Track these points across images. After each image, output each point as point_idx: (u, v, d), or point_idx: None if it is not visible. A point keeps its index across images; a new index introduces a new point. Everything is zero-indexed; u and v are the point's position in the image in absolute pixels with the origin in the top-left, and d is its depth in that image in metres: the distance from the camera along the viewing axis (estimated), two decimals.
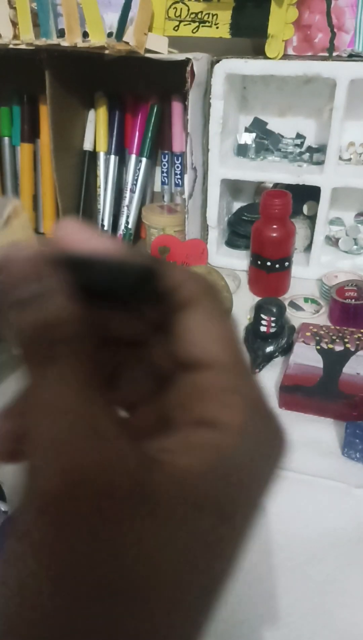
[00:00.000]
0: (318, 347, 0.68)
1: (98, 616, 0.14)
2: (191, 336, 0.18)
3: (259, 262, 0.86)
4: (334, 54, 0.83)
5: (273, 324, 0.72)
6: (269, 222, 0.83)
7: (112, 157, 1.01)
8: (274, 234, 0.83)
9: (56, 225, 0.18)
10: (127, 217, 1.03)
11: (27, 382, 0.16)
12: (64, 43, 0.80)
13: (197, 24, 0.84)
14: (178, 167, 1.01)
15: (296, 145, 0.96)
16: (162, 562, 0.15)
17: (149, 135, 0.97)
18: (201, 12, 0.83)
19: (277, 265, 0.85)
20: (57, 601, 0.14)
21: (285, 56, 0.83)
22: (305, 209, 0.99)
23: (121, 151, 1.02)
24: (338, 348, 0.67)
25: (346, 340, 0.69)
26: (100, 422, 0.15)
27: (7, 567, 0.15)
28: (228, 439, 0.16)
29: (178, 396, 0.18)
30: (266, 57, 0.82)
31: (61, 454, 0.15)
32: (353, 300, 0.79)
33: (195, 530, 0.15)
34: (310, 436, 0.58)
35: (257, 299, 0.80)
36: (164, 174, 1.04)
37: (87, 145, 1.01)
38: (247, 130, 0.99)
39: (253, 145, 0.97)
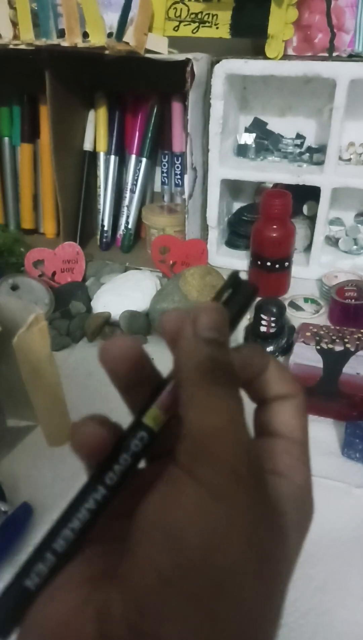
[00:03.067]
0: (318, 347, 0.68)
1: None
2: (282, 419, 0.23)
3: (259, 262, 0.86)
4: (334, 54, 0.83)
5: (273, 324, 0.72)
6: (269, 222, 0.83)
7: (113, 157, 1.01)
8: (274, 234, 0.83)
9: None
10: (128, 217, 1.03)
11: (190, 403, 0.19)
12: (64, 43, 0.80)
13: (197, 24, 0.84)
14: (178, 167, 1.01)
15: (296, 145, 0.96)
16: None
17: (149, 135, 0.97)
18: (201, 12, 0.83)
19: (277, 266, 0.85)
20: None
21: (285, 56, 0.83)
22: (305, 209, 0.99)
23: (121, 151, 1.02)
24: (338, 348, 0.67)
25: (346, 340, 0.69)
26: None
27: None
28: (300, 490, 0.21)
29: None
30: (266, 58, 0.82)
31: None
32: (353, 300, 0.79)
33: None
34: (310, 436, 0.58)
35: (257, 299, 0.80)
36: (164, 174, 1.04)
37: (87, 146, 1.01)
38: (247, 130, 0.99)
39: (253, 146, 0.97)
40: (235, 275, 0.22)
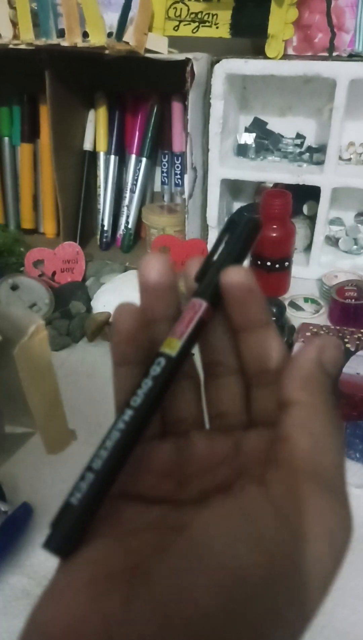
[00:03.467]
0: None
1: None
2: (285, 436, 0.19)
3: (259, 262, 0.86)
4: (334, 54, 0.83)
5: None
6: (269, 222, 0.83)
7: (112, 157, 1.01)
8: (274, 234, 0.83)
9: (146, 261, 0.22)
10: (128, 217, 1.03)
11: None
12: (64, 43, 0.80)
13: (197, 24, 0.84)
14: (178, 167, 1.01)
15: (296, 145, 0.96)
16: None
17: (149, 135, 0.97)
18: (201, 12, 0.83)
19: (277, 265, 0.85)
20: None
21: (285, 56, 0.83)
22: (305, 209, 0.99)
23: (121, 151, 1.02)
24: None
25: (346, 340, 0.69)
26: None
27: None
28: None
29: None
30: (266, 57, 0.82)
31: None
32: (353, 300, 0.79)
33: None
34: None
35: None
36: (164, 174, 1.04)
37: (87, 145, 1.01)
38: (247, 130, 0.99)
39: (253, 145, 0.97)
40: (231, 218, 0.23)
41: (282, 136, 0.98)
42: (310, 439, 0.18)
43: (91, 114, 1.00)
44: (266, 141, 0.97)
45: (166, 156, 1.02)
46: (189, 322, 0.21)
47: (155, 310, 0.22)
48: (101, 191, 1.03)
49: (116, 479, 0.20)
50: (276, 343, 0.22)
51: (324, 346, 0.20)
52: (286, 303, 0.80)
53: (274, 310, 0.72)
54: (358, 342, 0.69)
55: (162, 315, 0.22)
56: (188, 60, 0.79)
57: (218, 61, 0.82)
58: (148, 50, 0.83)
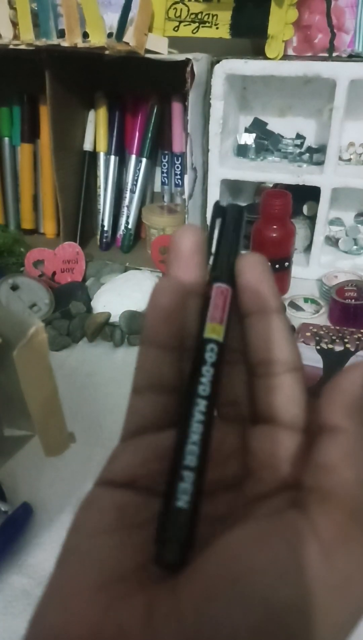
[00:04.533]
0: (318, 348, 0.68)
1: None
2: (328, 465, 0.18)
3: None
4: (334, 54, 0.83)
5: None
6: (269, 223, 0.83)
7: (112, 157, 1.01)
8: (274, 234, 0.83)
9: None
10: (128, 217, 1.03)
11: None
12: (64, 43, 0.80)
13: (197, 24, 0.84)
14: (178, 167, 1.01)
15: (296, 145, 0.96)
16: None
17: (149, 135, 0.97)
18: (201, 12, 0.83)
19: (277, 266, 0.85)
20: None
21: (285, 56, 0.83)
22: (305, 209, 0.99)
23: (121, 151, 1.02)
24: (338, 348, 0.67)
25: (346, 340, 0.69)
26: None
27: None
28: None
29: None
30: (266, 58, 0.82)
31: None
32: (353, 300, 0.79)
33: None
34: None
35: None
36: (164, 174, 1.04)
37: (87, 146, 1.01)
38: (247, 130, 0.99)
39: (253, 146, 0.97)
40: (217, 204, 0.23)
41: (282, 136, 0.98)
42: (356, 472, 0.17)
43: (91, 115, 1.00)
44: (266, 141, 0.97)
45: (166, 156, 1.02)
46: (224, 307, 0.21)
47: (188, 285, 0.21)
48: (101, 191, 1.04)
49: (206, 474, 0.19)
50: (284, 330, 0.21)
51: None
52: (286, 303, 0.80)
53: None
54: (358, 343, 0.69)
55: (194, 291, 0.21)
56: (188, 60, 0.79)
57: (218, 61, 0.82)
58: (148, 51, 0.83)
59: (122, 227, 1.04)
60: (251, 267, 0.21)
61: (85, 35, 0.80)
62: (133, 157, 1.00)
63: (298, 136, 0.97)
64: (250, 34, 0.83)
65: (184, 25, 0.85)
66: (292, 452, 0.20)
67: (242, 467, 0.20)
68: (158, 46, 0.82)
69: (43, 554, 0.48)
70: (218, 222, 0.22)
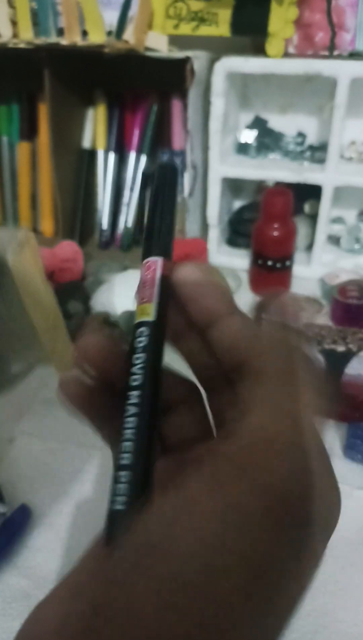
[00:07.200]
0: (320, 348, 0.67)
1: None
2: (253, 409, 0.18)
3: (260, 262, 0.85)
4: (335, 52, 0.82)
5: None
6: (270, 221, 0.82)
7: (112, 155, 1.01)
8: (275, 233, 0.82)
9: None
10: (127, 215, 1.02)
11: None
12: (64, 42, 0.79)
13: (197, 22, 0.84)
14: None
15: (298, 143, 0.96)
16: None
17: (149, 133, 0.97)
18: (201, 10, 0.83)
19: (278, 265, 0.84)
20: None
21: (286, 55, 0.83)
22: (306, 207, 0.99)
23: (121, 149, 1.01)
24: (340, 348, 0.66)
25: (348, 340, 0.69)
26: None
27: None
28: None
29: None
30: (266, 56, 0.81)
31: None
32: (355, 300, 0.78)
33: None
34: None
35: (258, 298, 0.80)
36: None
37: (87, 144, 1.01)
38: (248, 128, 0.98)
39: (254, 144, 0.96)
40: (144, 173, 0.23)
41: (283, 134, 0.97)
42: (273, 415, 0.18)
43: (90, 113, 1.00)
44: (267, 139, 0.97)
45: (166, 154, 1.02)
46: (152, 283, 0.20)
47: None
48: (100, 190, 1.03)
49: (152, 469, 0.18)
50: (243, 327, 0.21)
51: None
52: None
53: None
54: (360, 343, 0.68)
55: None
56: (188, 58, 0.78)
57: (218, 59, 0.82)
58: (147, 49, 0.82)
59: (122, 226, 1.04)
60: (189, 278, 0.20)
61: (84, 33, 0.79)
62: (133, 155, 1.00)
63: (299, 134, 0.97)
64: (250, 32, 0.83)
65: (184, 23, 0.84)
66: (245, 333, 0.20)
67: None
68: (158, 44, 0.82)
69: (41, 555, 0.47)
70: (149, 191, 0.22)
